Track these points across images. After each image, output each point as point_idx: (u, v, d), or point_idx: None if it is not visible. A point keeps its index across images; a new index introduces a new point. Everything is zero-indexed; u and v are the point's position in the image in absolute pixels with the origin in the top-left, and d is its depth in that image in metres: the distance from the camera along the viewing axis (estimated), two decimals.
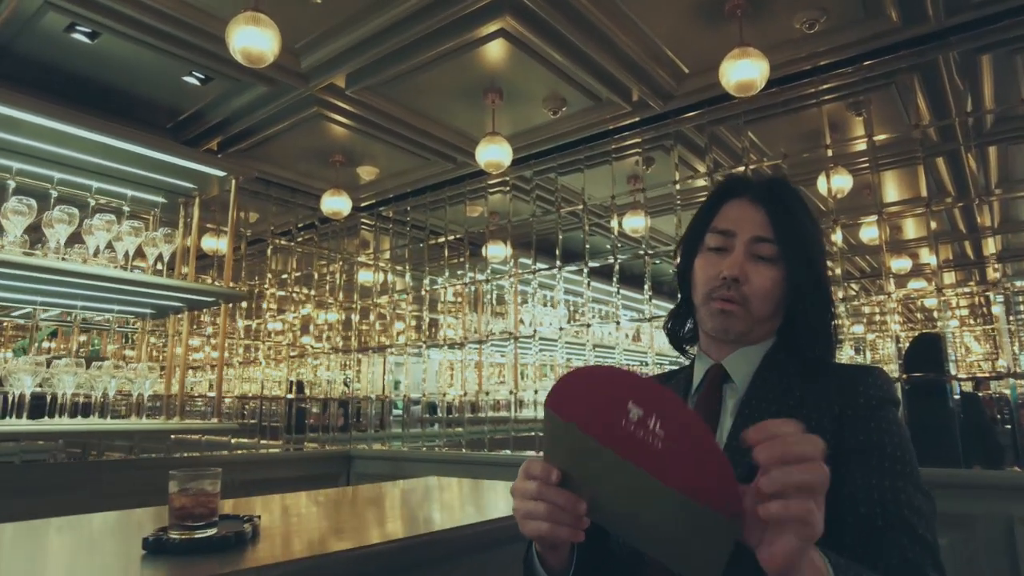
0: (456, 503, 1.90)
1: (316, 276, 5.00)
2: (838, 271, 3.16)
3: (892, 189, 4.64)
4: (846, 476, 0.80)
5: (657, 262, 3.80)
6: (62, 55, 3.17)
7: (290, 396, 4.68)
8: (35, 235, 2.63)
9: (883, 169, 4.17)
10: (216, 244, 4.59)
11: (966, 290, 6.02)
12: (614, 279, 3.56)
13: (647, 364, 3.62)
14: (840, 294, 3.05)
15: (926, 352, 2.88)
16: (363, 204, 5.00)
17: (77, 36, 3.00)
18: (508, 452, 3.61)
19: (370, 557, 1.22)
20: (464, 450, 3.90)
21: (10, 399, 2.53)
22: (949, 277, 6.18)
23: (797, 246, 0.93)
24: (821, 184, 3.36)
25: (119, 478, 2.97)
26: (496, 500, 1.89)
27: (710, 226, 0.98)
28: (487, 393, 4.30)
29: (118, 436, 3.71)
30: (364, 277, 5.20)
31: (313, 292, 5.06)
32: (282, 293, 5.00)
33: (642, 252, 3.50)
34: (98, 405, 2.84)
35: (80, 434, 3.42)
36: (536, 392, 4.31)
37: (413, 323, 4.92)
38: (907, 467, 0.81)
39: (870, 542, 0.78)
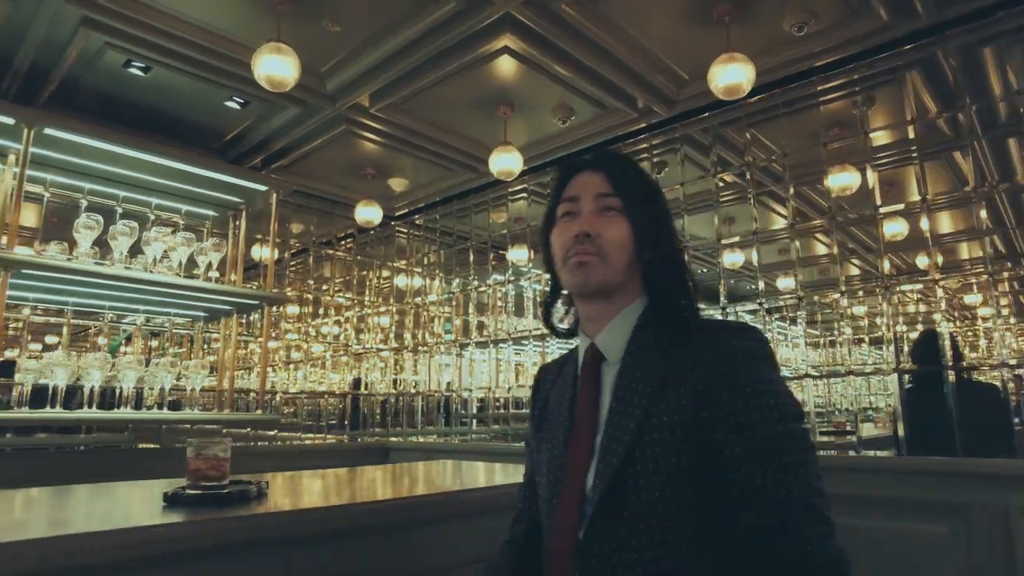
0: (438, 478, 2.11)
1: (355, 282, 5.33)
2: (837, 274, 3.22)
3: (913, 184, 4.60)
4: (713, 442, 0.84)
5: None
6: (122, 87, 3.58)
7: (352, 392, 5.01)
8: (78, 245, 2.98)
9: (893, 165, 4.16)
10: (263, 253, 4.97)
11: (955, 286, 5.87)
12: None
13: None
14: (846, 302, 3.11)
15: (927, 347, 2.92)
16: (397, 213, 5.30)
17: (133, 70, 3.40)
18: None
19: (343, 514, 1.46)
20: (491, 441, 4.13)
21: (84, 393, 2.89)
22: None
23: (638, 197, 0.99)
24: (832, 179, 3.42)
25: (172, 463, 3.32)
26: (476, 476, 2.10)
27: (559, 202, 1.03)
28: (509, 390, 4.50)
29: (178, 425, 4.08)
30: (402, 282, 5.50)
31: (354, 296, 5.38)
32: (326, 298, 5.34)
33: None
34: (157, 397, 3.18)
35: (144, 422, 3.81)
36: None
37: (447, 325, 5.17)
38: (770, 434, 0.83)
39: (743, 501, 0.81)
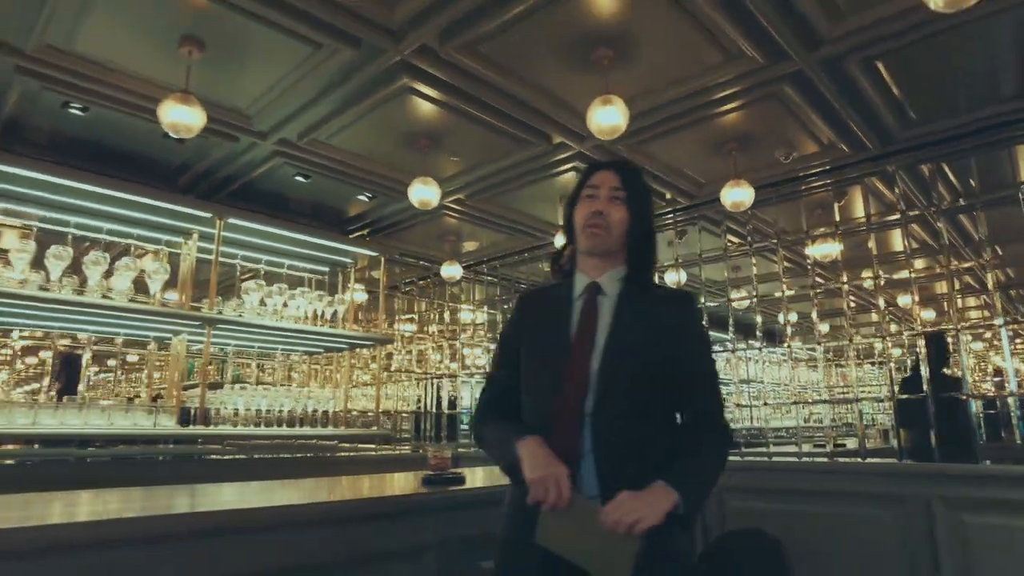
0: None
1: (431, 316, 6.52)
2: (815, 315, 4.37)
3: (890, 243, 5.77)
4: (677, 353, 1.32)
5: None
6: (283, 187, 4.83)
7: (447, 411, 6.12)
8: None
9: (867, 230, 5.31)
10: (361, 297, 6.16)
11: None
12: None
13: None
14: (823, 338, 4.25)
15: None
16: (465, 265, 6.52)
17: (298, 178, 4.64)
18: None
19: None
20: None
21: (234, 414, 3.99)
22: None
23: (638, 195, 1.39)
24: (810, 250, 4.57)
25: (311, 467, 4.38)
26: None
27: (584, 187, 1.42)
28: None
29: (310, 439, 5.13)
30: (467, 317, 6.69)
31: (429, 329, 6.58)
32: (407, 328, 6.54)
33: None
34: (299, 417, 4.17)
35: (291, 438, 4.77)
36: None
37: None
38: (705, 356, 1.41)
39: (691, 392, 1.35)
